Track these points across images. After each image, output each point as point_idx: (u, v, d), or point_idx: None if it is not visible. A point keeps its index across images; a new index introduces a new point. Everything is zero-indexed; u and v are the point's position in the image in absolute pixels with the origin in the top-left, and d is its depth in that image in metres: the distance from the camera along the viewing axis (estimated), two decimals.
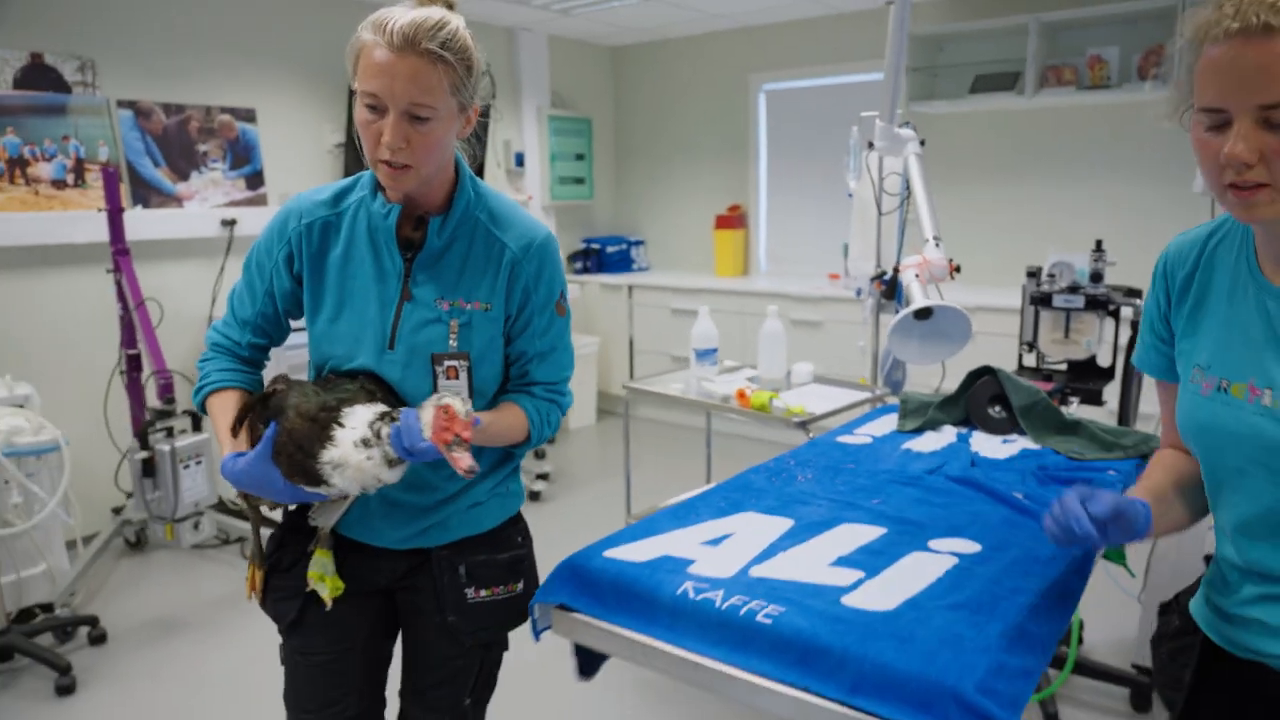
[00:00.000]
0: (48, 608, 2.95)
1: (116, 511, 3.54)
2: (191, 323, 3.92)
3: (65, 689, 2.63)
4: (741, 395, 2.58)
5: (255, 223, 4.06)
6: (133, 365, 3.45)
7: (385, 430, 1.19)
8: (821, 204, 5.27)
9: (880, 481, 1.67)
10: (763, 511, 1.51)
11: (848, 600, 1.19)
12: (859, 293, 3.09)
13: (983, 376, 2.02)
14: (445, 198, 1.32)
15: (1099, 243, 2.37)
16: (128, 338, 3.44)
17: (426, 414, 1.18)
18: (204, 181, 3.94)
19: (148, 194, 3.75)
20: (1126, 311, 2.36)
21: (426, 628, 1.41)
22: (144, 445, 2.93)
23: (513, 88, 5.30)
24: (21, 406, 2.83)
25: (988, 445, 1.89)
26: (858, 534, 1.41)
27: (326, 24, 4.27)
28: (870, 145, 2.72)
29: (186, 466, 2.97)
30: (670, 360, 5.36)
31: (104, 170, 3.34)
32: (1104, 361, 2.43)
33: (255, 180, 4.12)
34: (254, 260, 1.36)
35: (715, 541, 1.38)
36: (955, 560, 1.31)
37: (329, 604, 1.36)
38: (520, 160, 5.37)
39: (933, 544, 1.37)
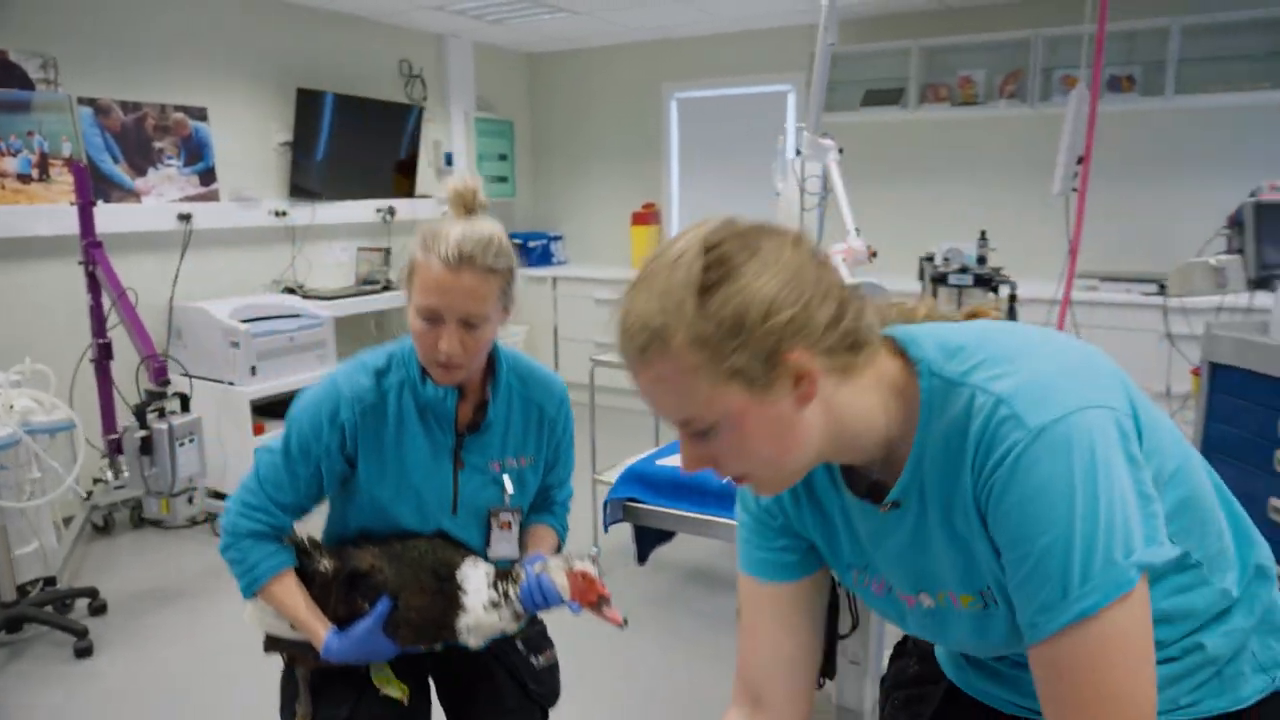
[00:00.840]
0: (51, 581, 3.11)
1: (87, 496, 3.67)
2: (151, 311, 4.05)
3: (84, 651, 2.82)
4: None
5: (209, 218, 4.23)
6: (103, 354, 3.60)
7: (512, 591, 1.29)
8: (730, 201, 5.82)
9: None
10: None
11: None
12: None
13: None
14: (484, 371, 1.42)
15: (983, 233, 2.96)
16: (98, 327, 3.59)
17: (560, 578, 1.28)
18: (160, 177, 4.09)
19: (108, 189, 3.88)
20: (1004, 288, 2.97)
21: (501, 698, 1.49)
22: (142, 424, 3.13)
23: (442, 92, 5.60)
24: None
25: None
26: None
27: (276, 28, 4.46)
28: (798, 152, 3.25)
29: (182, 444, 3.18)
30: (595, 347, 5.79)
31: (73, 165, 3.48)
32: None
33: (208, 177, 4.29)
34: (296, 445, 1.35)
35: None
36: None
37: (405, 703, 1.42)
38: (450, 160, 5.67)
39: None
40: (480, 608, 1.28)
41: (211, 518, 3.91)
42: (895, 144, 5.16)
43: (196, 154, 4.23)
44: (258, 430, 3.88)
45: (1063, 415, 0.72)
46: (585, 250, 6.53)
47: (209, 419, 3.54)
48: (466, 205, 1.30)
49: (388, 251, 5.08)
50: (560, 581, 1.28)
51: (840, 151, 3.10)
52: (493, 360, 1.42)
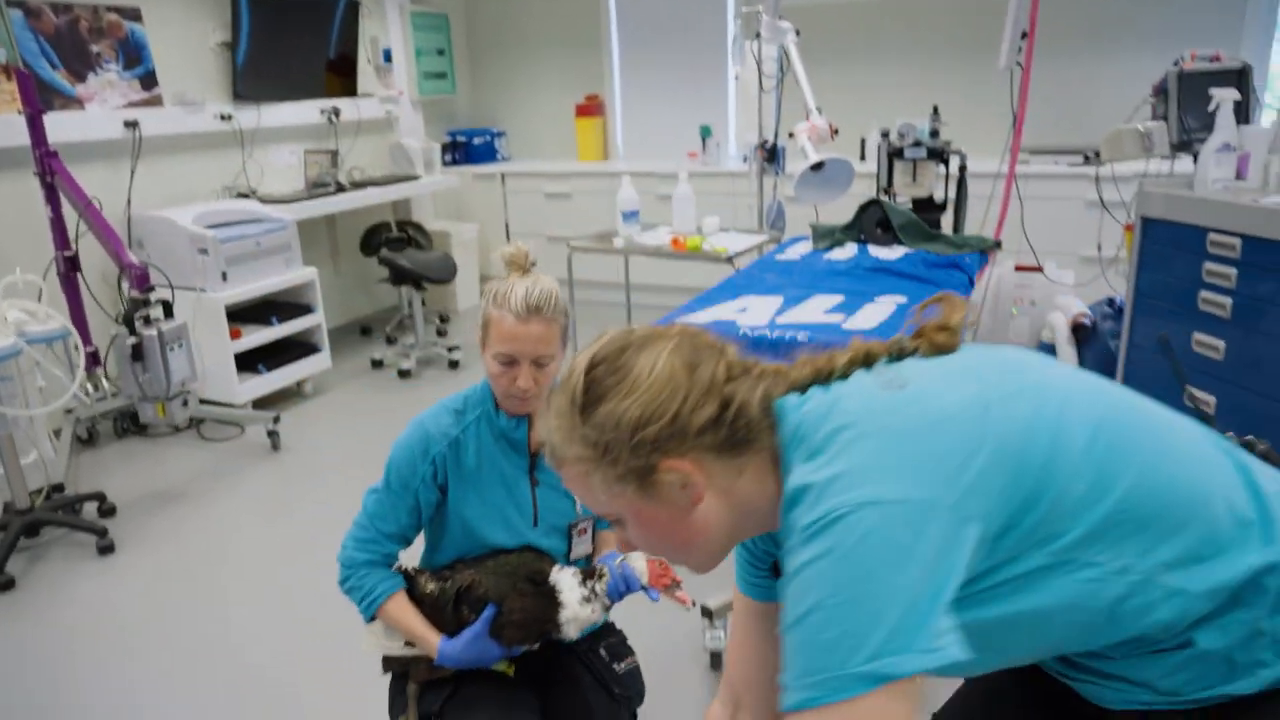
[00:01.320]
0: (58, 488, 3.19)
1: (68, 411, 3.70)
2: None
3: (106, 549, 2.95)
4: (676, 242, 3.22)
5: (156, 124, 4.13)
6: (70, 266, 3.57)
7: (600, 586, 1.48)
8: (674, 91, 5.88)
9: (821, 276, 2.39)
10: (758, 294, 2.19)
11: (846, 326, 1.90)
12: (745, 159, 3.77)
13: (870, 206, 2.77)
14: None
15: (935, 108, 3.16)
16: (61, 239, 3.55)
17: (640, 564, 1.49)
18: (101, 83, 3.96)
19: (50, 96, 3.75)
20: (955, 160, 3.19)
21: (589, 702, 1.61)
22: (132, 331, 3.16)
23: None
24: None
25: (881, 252, 2.65)
26: (828, 300, 2.12)
27: None
28: (757, 35, 3.35)
29: (172, 349, 3.24)
30: (546, 241, 5.89)
31: (16, 72, 3.37)
32: (939, 197, 3.27)
33: (149, 81, 4.16)
34: (395, 481, 1.54)
35: (741, 310, 2.05)
36: (895, 306, 2.05)
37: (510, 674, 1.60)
38: (388, 56, 5.56)
39: (878, 299, 2.10)
40: (576, 603, 1.46)
41: (199, 422, 3.99)
42: (850, 26, 5.26)
43: (135, 57, 4.09)
44: (234, 335, 3.92)
45: (838, 511, 0.71)
46: (530, 145, 6.52)
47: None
48: (521, 266, 1.49)
49: (334, 154, 5.03)
50: (640, 567, 1.49)
51: (798, 34, 3.22)
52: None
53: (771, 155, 3.67)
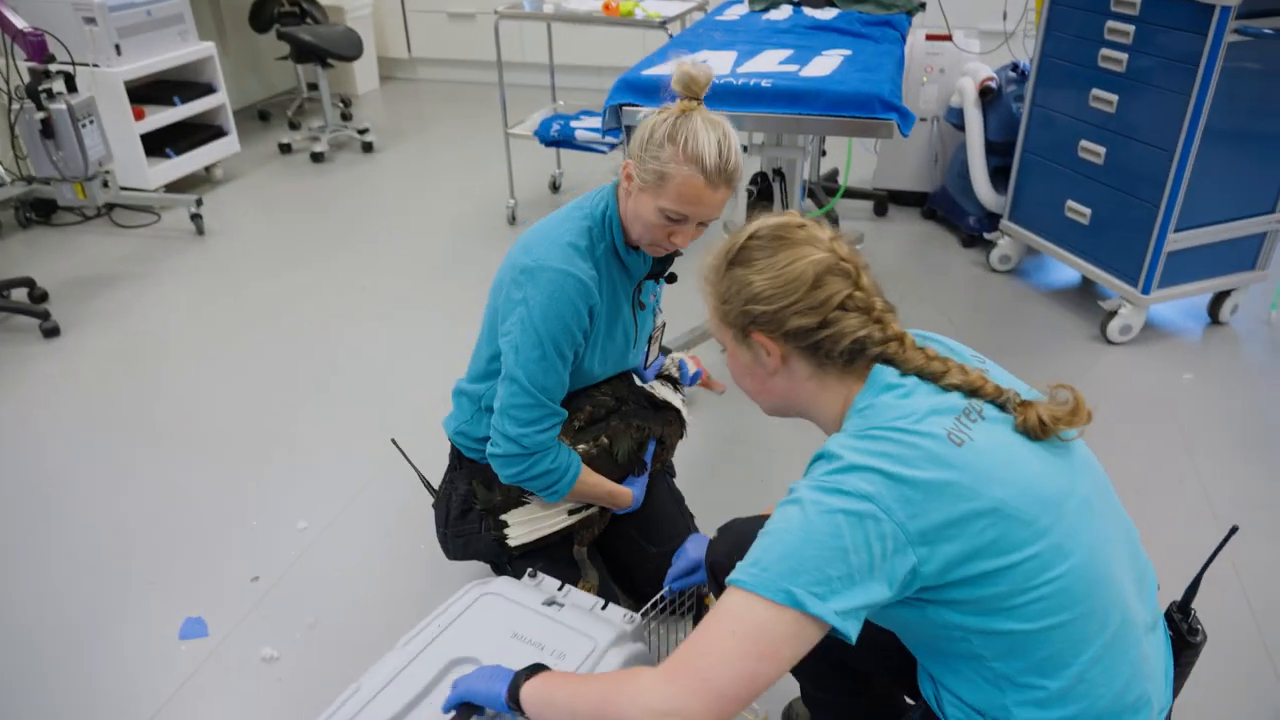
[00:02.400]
0: None
1: None
2: None
3: (51, 331, 2.93)
4: (607, 6, 3.20)
5: None
6: None
7: (680, 386, 1.75)
8: None
9: (765, 34, 2.49)
10: (713, 49, 2.29)
11: (803, 74, 2.04)
12: None
13: None
14: None
15: None
16: None
17: (689, 362, 1.78)
18: None
19: None
20: None
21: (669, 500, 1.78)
22: (39, 106, 2.97)
23: None
24: None
25: (816, 12, 2.75)
26: (779, 54, 2.24)
27: None
28: None
29: (84, 125, 3.07)
30: (448, 18, 5.61)
31: None
32: None
33: None
34: (555, 347, 1.40)
35: (702, 62, 2.15)
36: (841, 58, 2.20)
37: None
38: None
39: (825, 53, 2.24)
40: (680, 405, 1.70)
41: (110, 209, 3.84)
42: None
43: None
44: (138, 115, 3.71)
45: (840, 486, 0.87)
46: None
47: None
48: (698, 95, 1.34)
49: None
50: (689, 363, 1.79)
51: None
52: None
53: None
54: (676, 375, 1.74)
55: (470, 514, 1.63)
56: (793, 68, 2.10)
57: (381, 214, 3.91)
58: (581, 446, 1.53)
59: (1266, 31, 2.35)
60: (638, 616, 1.36)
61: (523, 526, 1.57)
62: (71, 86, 3.12)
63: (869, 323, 0.97)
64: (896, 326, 0.99)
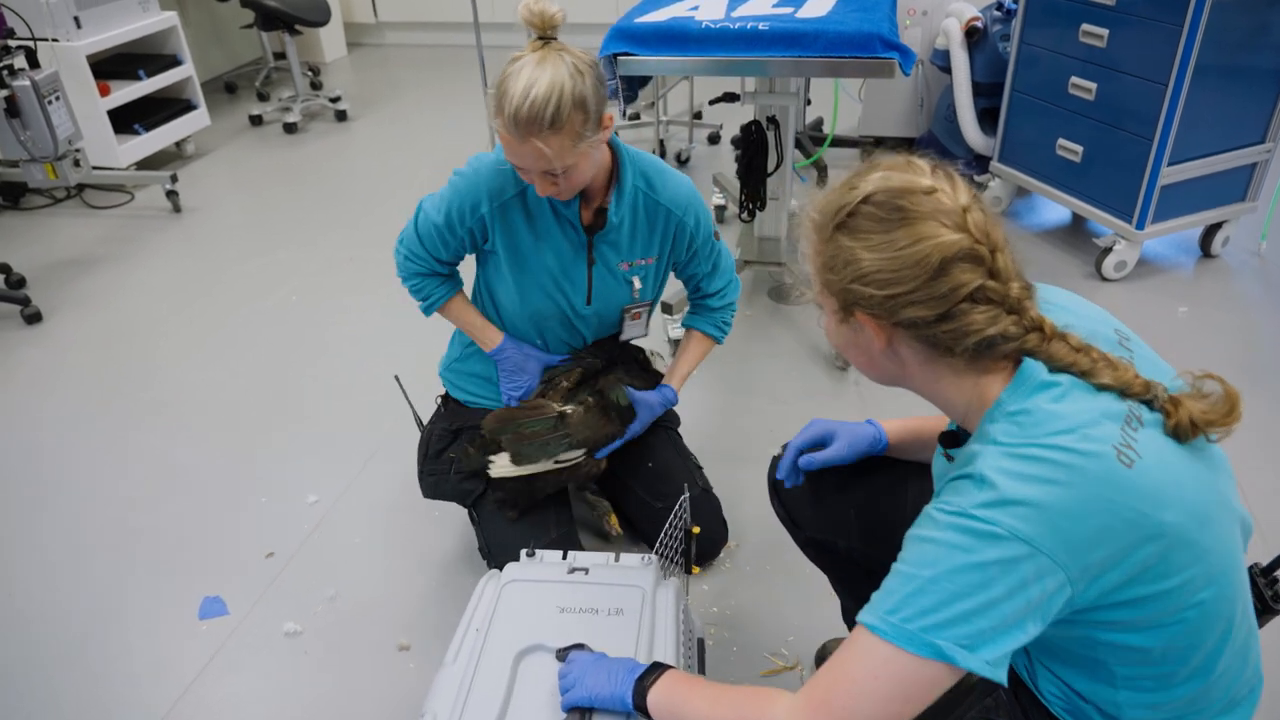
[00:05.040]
0: None
1: None
2: None
3: (33, 317, 2.85)
4: None
5: None
6: None
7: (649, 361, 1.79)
8: None
9: None
10: None
11: (799, 15, 2.00)
12: None
13: None
14: (607, 173, 1.48)
15: None
16: None
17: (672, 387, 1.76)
18: None
19: None
20: None
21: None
22: (1, 84, 2.86)
23: None
24: None
25: None
26: (766, 3, 2.19)
27: None
28: None
29: (50, 102, 2.97)
30: None
31: None
32: None
33: None
34: (444, 219, 1.50)
35: (694, 9, 2.11)
36: (834, 1, 2.16)
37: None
38: None
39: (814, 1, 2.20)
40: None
41: (80, 190, 3.73)
42: None
43: None
44: (104, 91, 3.60)
45: (983, 518, 0.77)
46: None
47: None
48: (541, 31, 1.27)
49: None
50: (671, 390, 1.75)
51: None
52: (619, 165, 1.48)
53: None
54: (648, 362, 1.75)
55: (443, 455, 1.70)
56: (787, 10, 2.06)
57: (362, 182, 3.84)
58: (576, 404, 1.59)
59: None
60: (653, 556, 1.39)
61: (507, 468, 1.61)
62: (34, 62, 3.01)
63: (1001, 316, 0.82)
64: (1035, 312, 0.84)
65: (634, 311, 1.64)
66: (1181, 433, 0.82)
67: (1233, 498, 0.89)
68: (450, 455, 1.70)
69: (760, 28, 1.92)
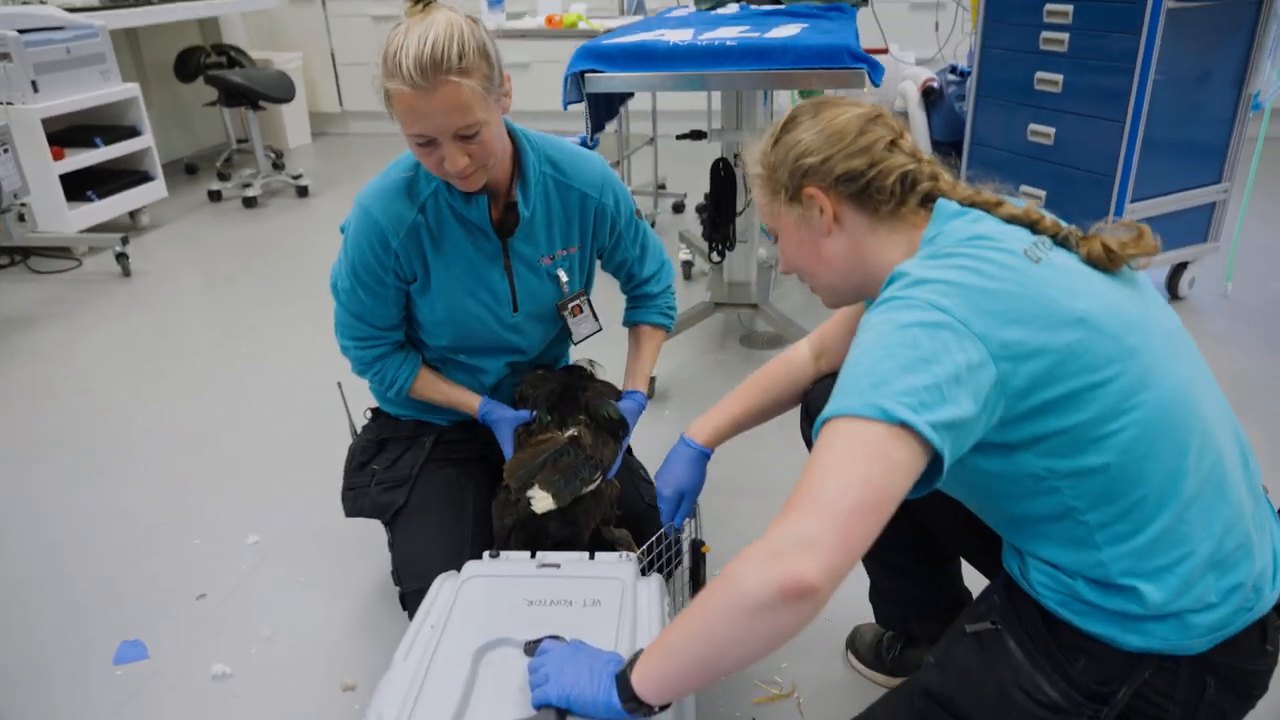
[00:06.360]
0: None
1: None
2: None
3: None
4: (550, 20, 3.17)
5: None
6: None
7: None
8: None
9: (718, 22, 2.46)
10: (672, 28, 2.25)
11: (768, 35, 2.00)
12: None
13: None
14: (510, 163, 1.35)
15: None
16: None
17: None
18: None
19: None
20: None
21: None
22: None
23: None
24: None
25: (764, 4, 2.75)
26: (738, 28, 2.21)
27: None
28: None
29: None
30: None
31: None
32: None
33: None
34: (365, 275, 1.36)
35: (661, 36, 2.10)
36: (800, 28, 2.17)
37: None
38: None
39: (782, 25, 2.22)
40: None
41: (26, 256, 3.60)
42: None
43: None
44: (57, 155, 3.52)
45: (902, 296, 0.84)
46: None
47: None
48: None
49: None
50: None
51: None
52: (519, 153, 1.36)
53: None
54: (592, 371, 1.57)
55: (365, 469, 1.52)
56: (755, 34, 2.07)
57: (323, 255, 3.73)
58: (570, 432, 1.41)
59: None
60: (633, 555, 1.24)
61: (547, 501, 1.37)
62: None
63: (914, 160, 0.99)
64: (945, 170, 1.00)
65: (572, 306, 1.49)
66: (1098, 261, 0.91)
67: (1184, 337, 0.96)
68: (373, 468, 1.51)
69: (729, 43, 1.91)
